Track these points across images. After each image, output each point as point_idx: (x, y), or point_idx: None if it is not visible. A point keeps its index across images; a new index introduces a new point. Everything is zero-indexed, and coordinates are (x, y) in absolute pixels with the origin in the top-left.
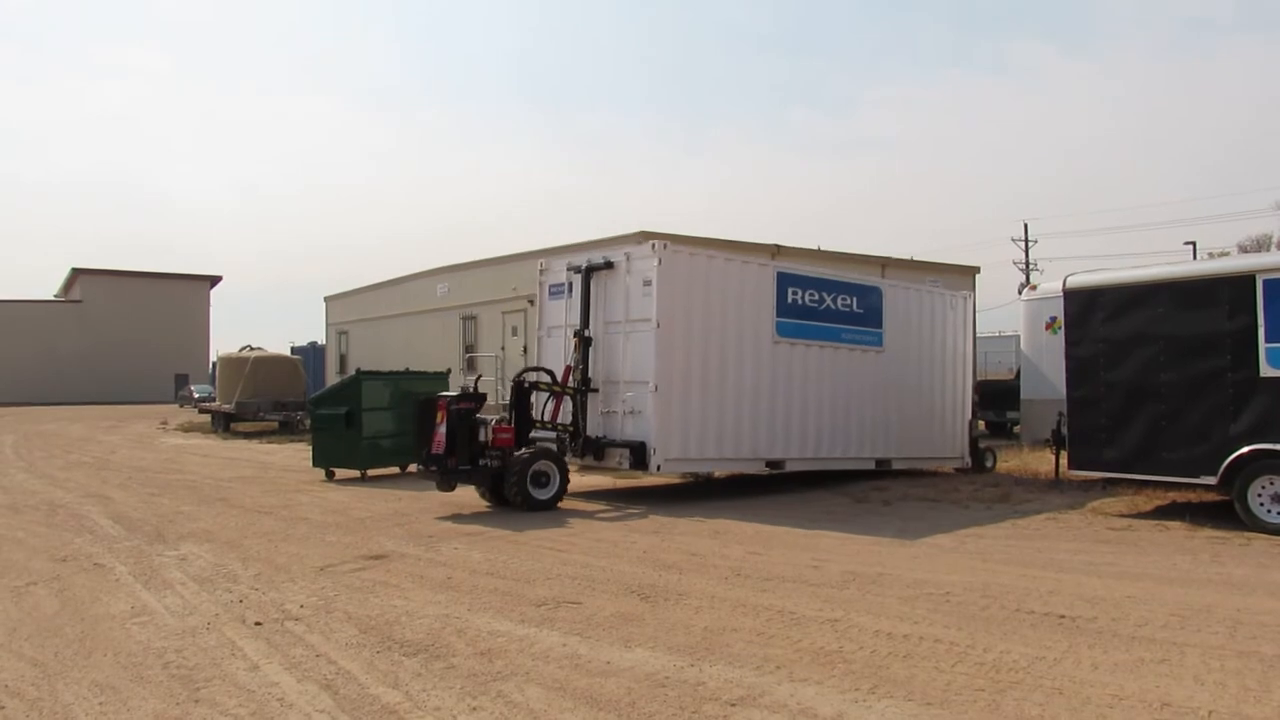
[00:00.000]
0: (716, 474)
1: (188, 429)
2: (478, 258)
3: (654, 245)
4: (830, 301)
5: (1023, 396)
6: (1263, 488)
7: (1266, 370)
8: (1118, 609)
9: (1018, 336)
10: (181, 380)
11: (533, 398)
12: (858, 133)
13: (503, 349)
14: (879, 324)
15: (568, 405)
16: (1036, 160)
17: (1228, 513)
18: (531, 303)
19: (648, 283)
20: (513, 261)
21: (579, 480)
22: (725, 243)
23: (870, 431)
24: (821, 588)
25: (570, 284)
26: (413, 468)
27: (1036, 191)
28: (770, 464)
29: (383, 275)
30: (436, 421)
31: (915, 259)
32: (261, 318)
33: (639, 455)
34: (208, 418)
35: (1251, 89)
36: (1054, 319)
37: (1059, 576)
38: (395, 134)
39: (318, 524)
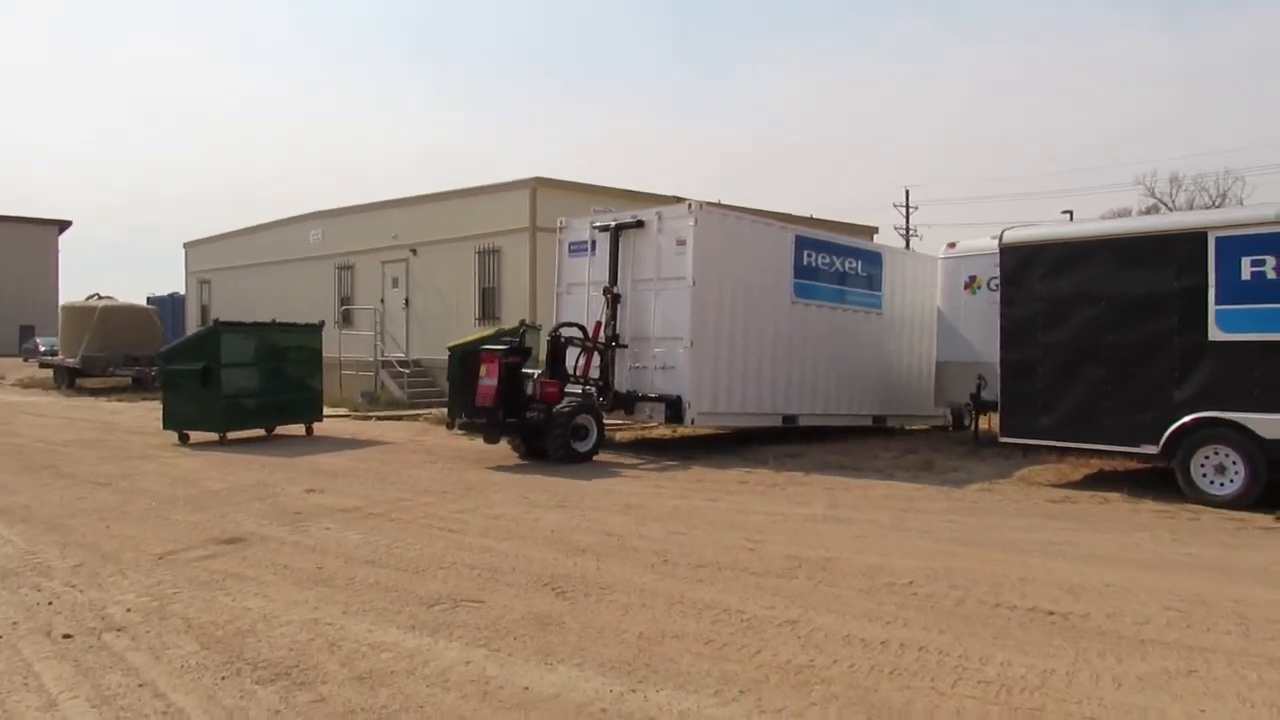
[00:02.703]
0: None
1: (28, 384)
2: (355, 202)
3: (690, 205)
4: (840, 265)
5: (937, 359)
6: (1206, 458)
7: (1216, 334)
8: (1106, 602)
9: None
10: (27, 332)
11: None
12: (742, 97)
13: (382, 302)
14: (879, 287)
15: (594, 362)
16: (916, 130)
17: (1162, 482)
18: (414, 252)
19: (682, 241)
20: (393, 208)
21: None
22: (624, 192)
23: (870, 390)
24: (766, 577)
25: (593, 242)
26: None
27: (921, 159)
28: (786, 419)
29: (250, 222)
30: (482, 374)
31: (814, 217)
32: (121, 267)
33: (675, 409)
34: (50, 373)
35: (1114, 66)
36: (973, 278)
37: (1023, 560)
38: (270, 83)
39: (163, 498)
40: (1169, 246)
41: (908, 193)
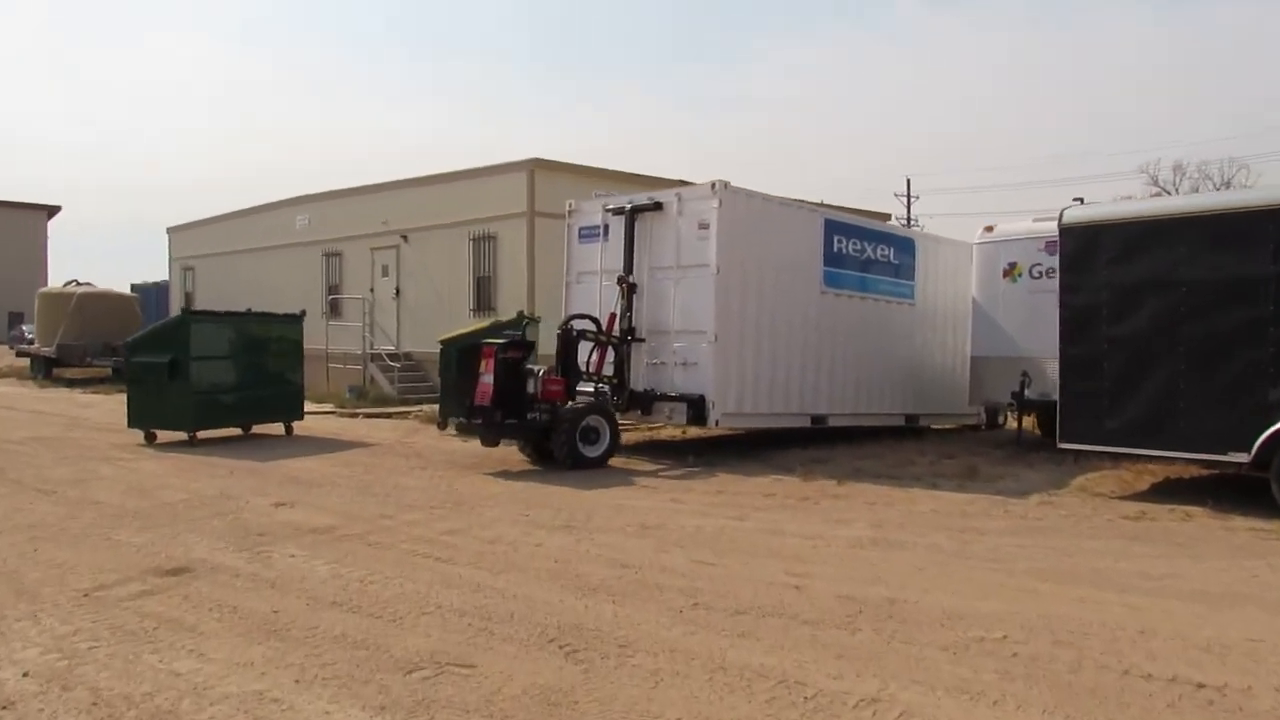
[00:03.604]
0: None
1: (4, 374)
2: (344, 186)
3: (714, 185)
4: (871, 252)
5: (973, 353)
6: None
7: None
8: (1262, 667)
9: None
10: (15, 318)
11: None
12: (744, 89)
13: (371, 291)
14: (912, 276)
15: (609, 358)
16: (919, 118)
17: (1247, 494)
18: (405, 238)
19: (704, 225)
20: (383, 191)
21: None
22: (628, 175)
23: (902, 387)
24: (822, 628)
25: (606, 226)
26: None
27: (922, 148)
28: (814, 420)
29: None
30: (481, 370)
31: (824, 203)
32: (113, 254)
33: (698, 410)
34: (28, 362)
35: (1114, 52)
36: (1013, 264)
37: (1127, 601)
38: (268, 71)
39: (110, 511)
40: (1264, 224)
41: (909, 182)
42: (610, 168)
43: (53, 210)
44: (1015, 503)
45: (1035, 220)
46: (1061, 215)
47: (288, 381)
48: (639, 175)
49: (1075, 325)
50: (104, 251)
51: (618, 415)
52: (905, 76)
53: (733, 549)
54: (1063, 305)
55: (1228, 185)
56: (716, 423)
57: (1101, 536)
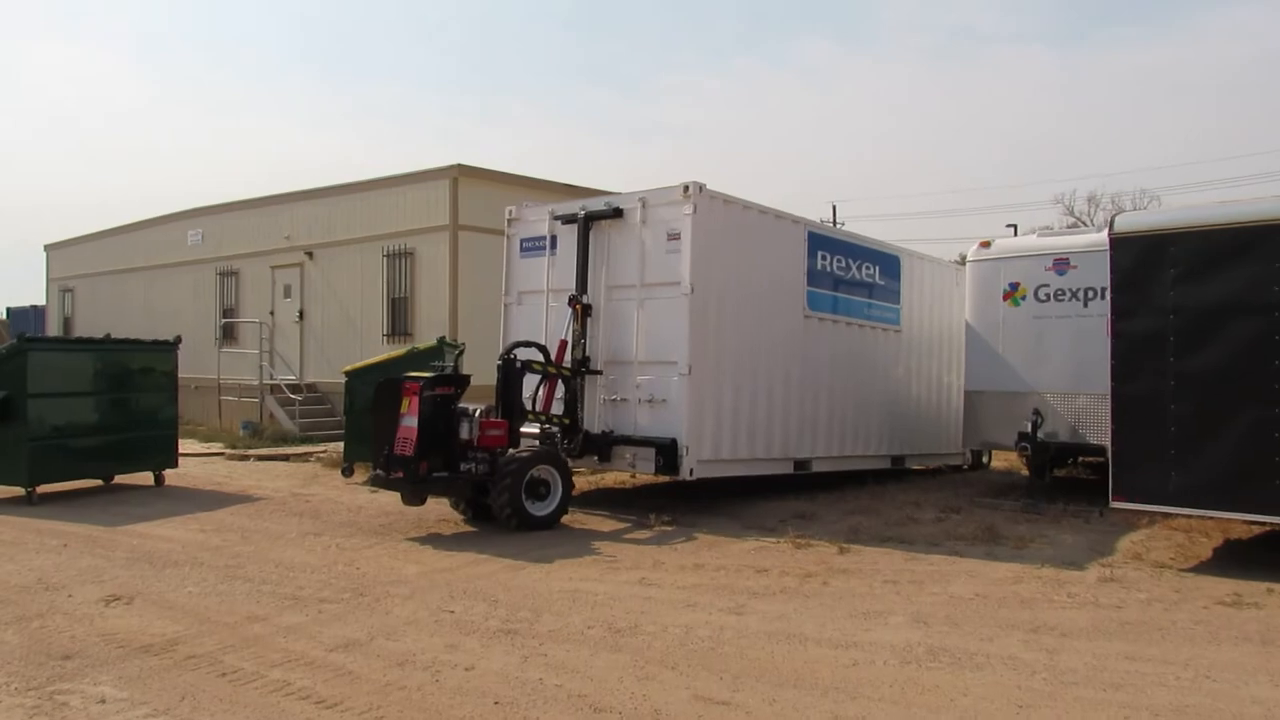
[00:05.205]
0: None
1: None
2: (240, 197)
3: (686, 187)
4: (856, 270)
5: (967, 387)
6: None
7: None
8: None
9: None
10: None
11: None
12: (653, 117)
13: (272, 314)
14: (897, 299)
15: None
16: (833, 152)
17: None
18: (310, 255)
19: (674, 236)
20: (286, 203)
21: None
22: (564, 186)
23: (889, 425)
24: None
25: (554, 237)
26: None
27: (842, 176)
28: (797, 465)
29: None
30: (402, 411)
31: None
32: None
33: (668, 456)
34: None
35: (1014, 90)
36: (1015, 285)
37: None
38: (156, 87)
39: None
40: None
41: (835, 208)
42: (542, 176)
43: None
44: (1070, 579)
45: (1039, 234)
46: (1113, 223)
47: (158, 422)
48: (574, 186)
49: (1132, 358)
50: None
51: (572, 461)
52: (817, 111)
53: (744, 671)
54: (1114, 334)
55: None
56: (691, 472)
57: (1221, 639)
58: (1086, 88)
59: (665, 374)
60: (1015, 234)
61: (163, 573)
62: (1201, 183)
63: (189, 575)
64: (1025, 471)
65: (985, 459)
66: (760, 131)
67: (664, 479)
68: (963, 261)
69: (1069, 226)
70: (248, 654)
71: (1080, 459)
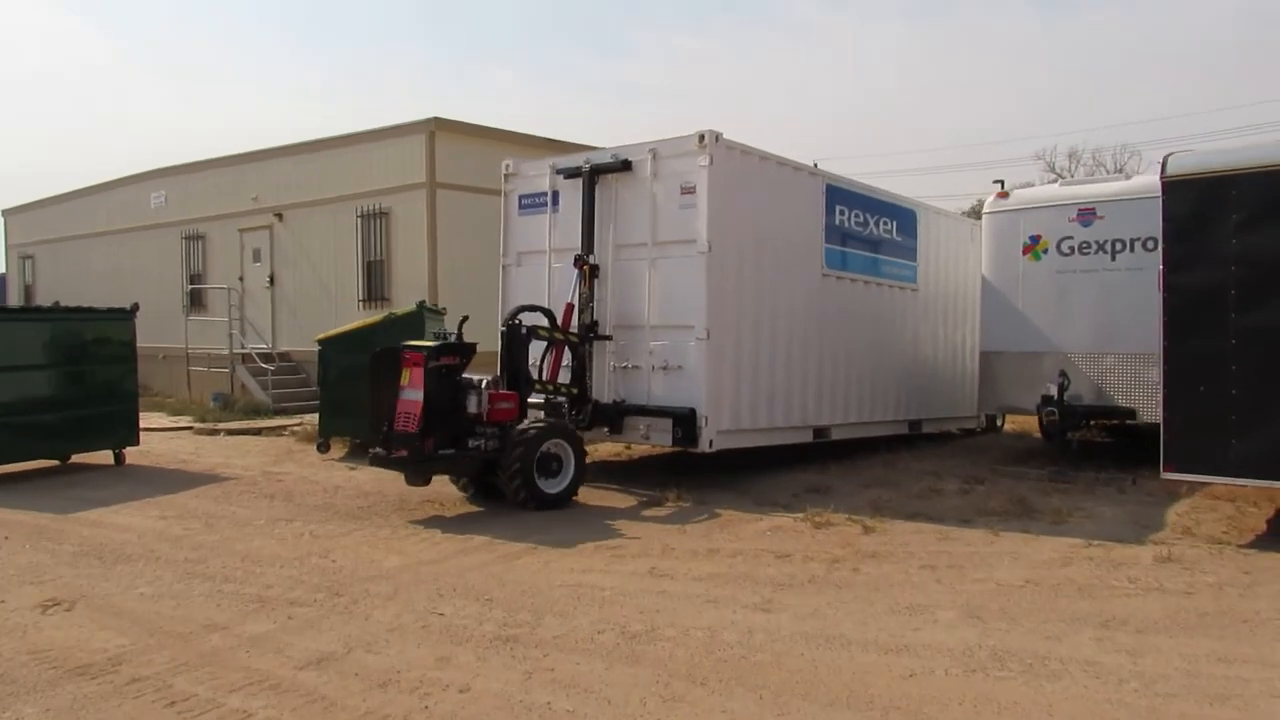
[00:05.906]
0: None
1: None
2: (205, 157)
3: (702, 136)
4: (874, 226)
5: (983, 348)
6: None
7: None
8: None
9: None
10: None
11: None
12: (632, 76)
13: (241, 279)
14: (914, 256)
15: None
16: (814, 110)
17: None
18: (279, 217)
19: (689, 190)
20: (254, 162)
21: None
22: (546, 141)
23: (906, 388)
24: None
25: (555, 193)
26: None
27: (825, 135)
28: (817, 433)
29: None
30: (404, 384)
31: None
32: None
33: (686, 427)
34: None
35: (995, 47)
36: (1037, 238)
37: None
38: (121, 45)
39: None
40: None
41: (815, 165)
42: (527, 131)
43: None
44: (1124, 560)
45: (1063, 184)
46: (1165, 164)
47: (116, 395)
48: (558, 140)
49: (1187, 314)
50: None
51: (581, 432)
52: (797, 68)
53: (785, 686)
54: (1167, 288)
55: (1121, 172)
56: (711, 444)
57: None
58: (1067, 44)
59: (681, 339)
60: (1003, 189)
61: (112, 570)
62: (1184, 137)
63: (142, 573)
64: (1039, 435)
65: (999, 422)
66: (743, 91)
67: (663, 449)
68: (977, 215)
69: (1049, 182)
70: (203, 674)
71: (1094, 421)
